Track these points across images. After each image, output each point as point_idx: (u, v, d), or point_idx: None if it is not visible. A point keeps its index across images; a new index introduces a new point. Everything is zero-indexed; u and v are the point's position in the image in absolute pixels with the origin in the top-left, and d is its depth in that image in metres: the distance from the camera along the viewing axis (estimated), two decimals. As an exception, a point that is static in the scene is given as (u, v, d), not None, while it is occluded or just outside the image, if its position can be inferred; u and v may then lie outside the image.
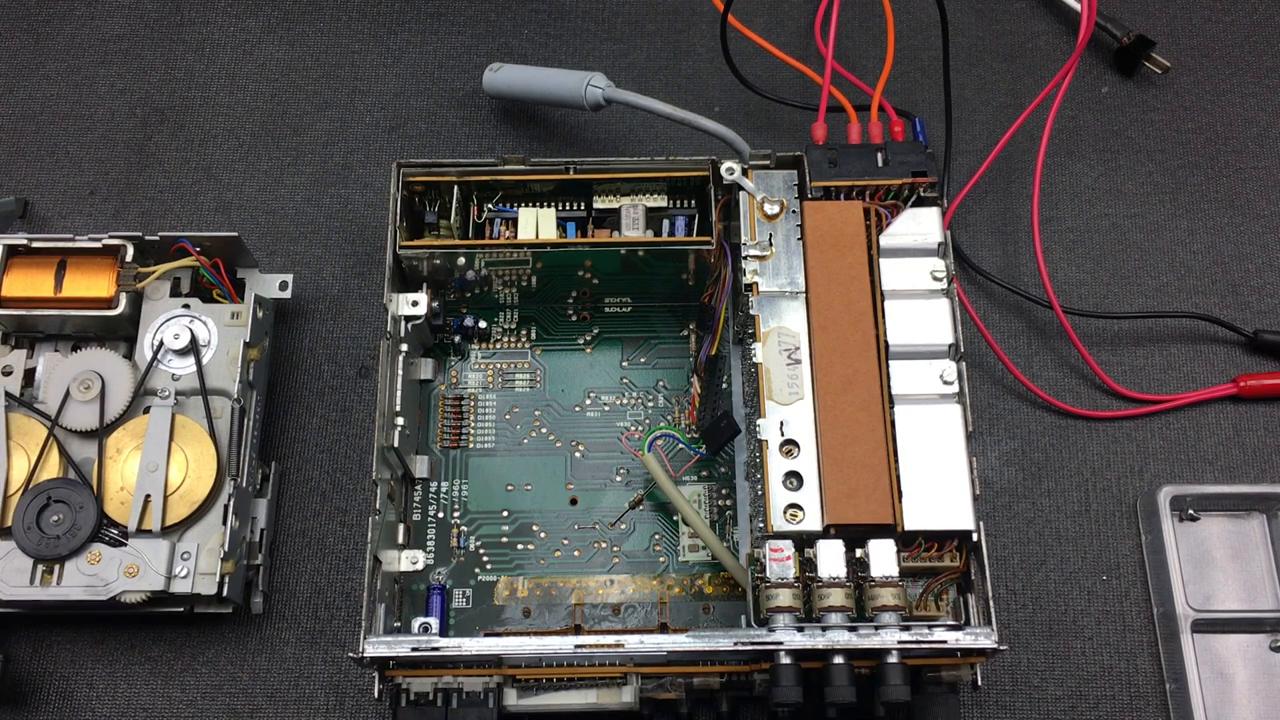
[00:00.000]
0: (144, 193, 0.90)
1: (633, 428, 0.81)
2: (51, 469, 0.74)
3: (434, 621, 0.72)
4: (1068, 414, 0.83)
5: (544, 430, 0.81)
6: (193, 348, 0.76)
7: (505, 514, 0.78)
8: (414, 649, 0.65)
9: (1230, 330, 0.84)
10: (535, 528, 0.78)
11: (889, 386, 0.69)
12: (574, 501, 0.79)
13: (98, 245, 0.78)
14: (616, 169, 0.78)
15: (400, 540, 0.76)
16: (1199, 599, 0.77)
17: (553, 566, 0.77)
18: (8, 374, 0.77)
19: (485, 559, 0.77)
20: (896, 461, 0.68)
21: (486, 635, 0.68)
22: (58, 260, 0.78)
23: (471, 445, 0.80)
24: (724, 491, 0.78)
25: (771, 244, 0.73)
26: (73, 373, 0.75)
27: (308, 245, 0.88)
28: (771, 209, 0.74)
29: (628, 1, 0.97)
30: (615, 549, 0.78)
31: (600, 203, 0.79)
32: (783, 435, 0.68)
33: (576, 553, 0.78)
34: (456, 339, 0.82)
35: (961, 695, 0.70)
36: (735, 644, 0.64)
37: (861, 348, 0.70)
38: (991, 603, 0.66)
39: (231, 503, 0.73)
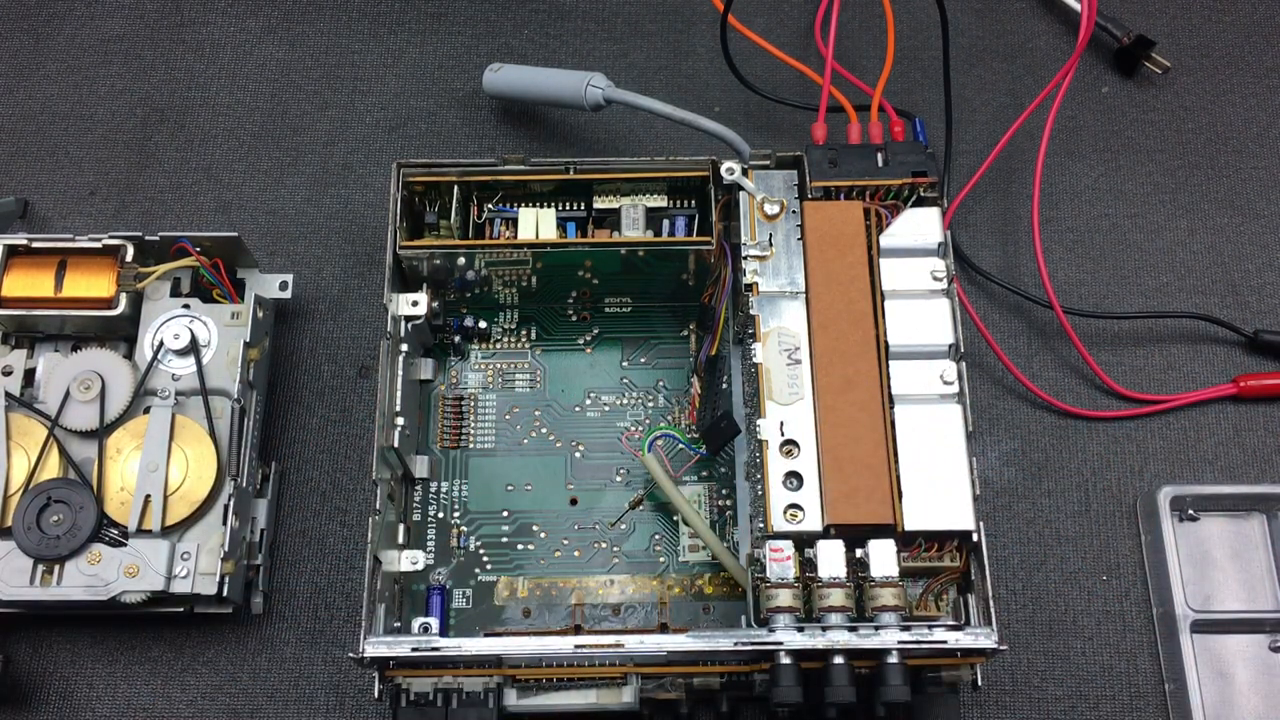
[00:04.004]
0: (144, 193, 0.90)
1: (633, 428, 0.81)
2: (51, 469, 0.74)
3: (434, 621, 0.72)
4: (1068, 414, 0.83)
5: (544, 430, 0.81)
6: (193, 348, 0.76)
7: (505, 514, 0.78)
8: (414, 649, 0.65)
9: (1230, 330, 0.84)
10: (535, 528, 0.78)
11: (889, 386, 0.69)
12: (574, 501, 0.79)
13: (98, 245, 0.78)
14: (616, 169, 0.78)
15: (400, 540, 0.76)
16: (1199, 599, 0.77)
17: (553, 566, 0.77)
18: (8, 374, 0.77)
19: (485, 559, 0.77)
20: (896, 461, 0.68)
21: (486, 635, 0.69)
22: (58, 260, 0.78)
23: (471, 445, 0.80)
24: (724, 491, 0.78)
25: (771, 244, 0.73)
26: (73, 373, 0.75)
27: (308, 245, 0.88)
28: (771, 209, 0.74)
29: (628, 1, 0.97)
30: (615, 549, 0.78)
31: (600, 203, 0.79)
32: (783, 435, 0.68)
33: (576, 553, 0.78)
34: (456, 339, 0.82)
35: (961, 695, 0.70)
36: (735, 644, 0.64)
37: (861, 348, 0.70)
38: (991, 603, 0.66)
39: (231, 503, 0.73)
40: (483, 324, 0.82)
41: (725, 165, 0.75)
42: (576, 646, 0.65)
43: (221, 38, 0.96)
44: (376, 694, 0.68)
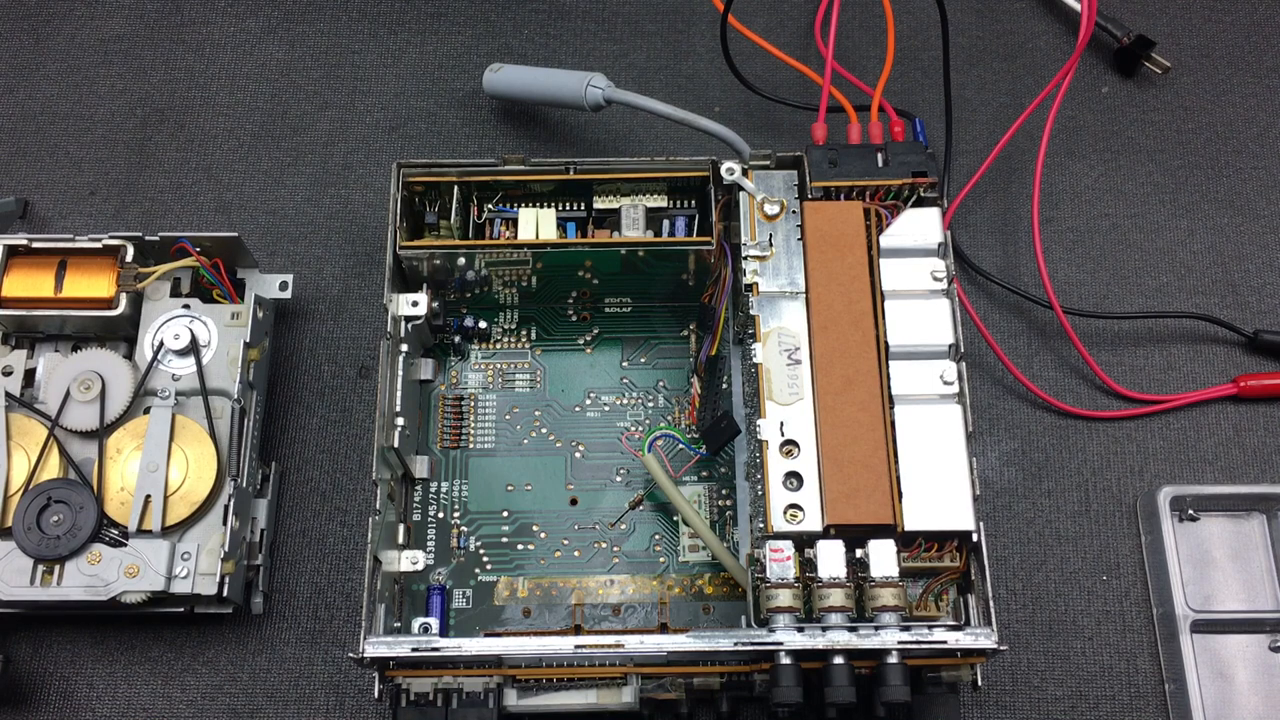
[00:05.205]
0: (144, 193, 0.90)
1: (633, 428, 0.81)
2: (52, 469, 0.74)
3: (434, 622, 0.72)
4: (1068, 414, 0.83)
5: (544, 430, 0.81)
6: (193, 348, 0.76)
7: (505, 514, 0.78)
8: (414, 649, 0.65)
9: (1230, 330, 0.84)
10: (535, 528, 0.78)
11: (889, 386, 0.69)
12: (574, 502, 0.79)
13: (98, 245, 0.78)
14: (616, 169, 0.78)
15: (400, 540, 0.76)
16: (1199, 599, 0.77)
17: (553, 566, 0.77)
18: (8, 374, 0.77)
19: (485, 559, 0.77)
20: (896, 462, 0.68)
21: (486, 635, 0.69)
22: (58, 260, 0.78)
23: (471, 445, 0.80)
24: (724, 491, 0.78)
25: (771, 244, 0.73)
26: (73, 373, 0.75)
27: (308, 245, 0.88)
28: (771, 209, 0.74)
29: (628, 1, 0.97)
30: (615, 549, 0.78)
31: (600, 203, 0.79)
32: (783, 435, 0.68)
33: (576, 553, 0.78)
34: (456, 339, 0.82)
35: (961, 695, 0.70)
36: (735, 644, 0.64)
37: (861, 348, 0.70)
38: (991, 603, 0.66)
39: (231, 503, 0.73)
40: (483, 324, 0.82)
41: (725, 165, 0.75)
42: (576, 646, 0.65)
43: (221, 38, 0.96)
44: (376, 694, 0.68)
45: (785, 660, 0.64)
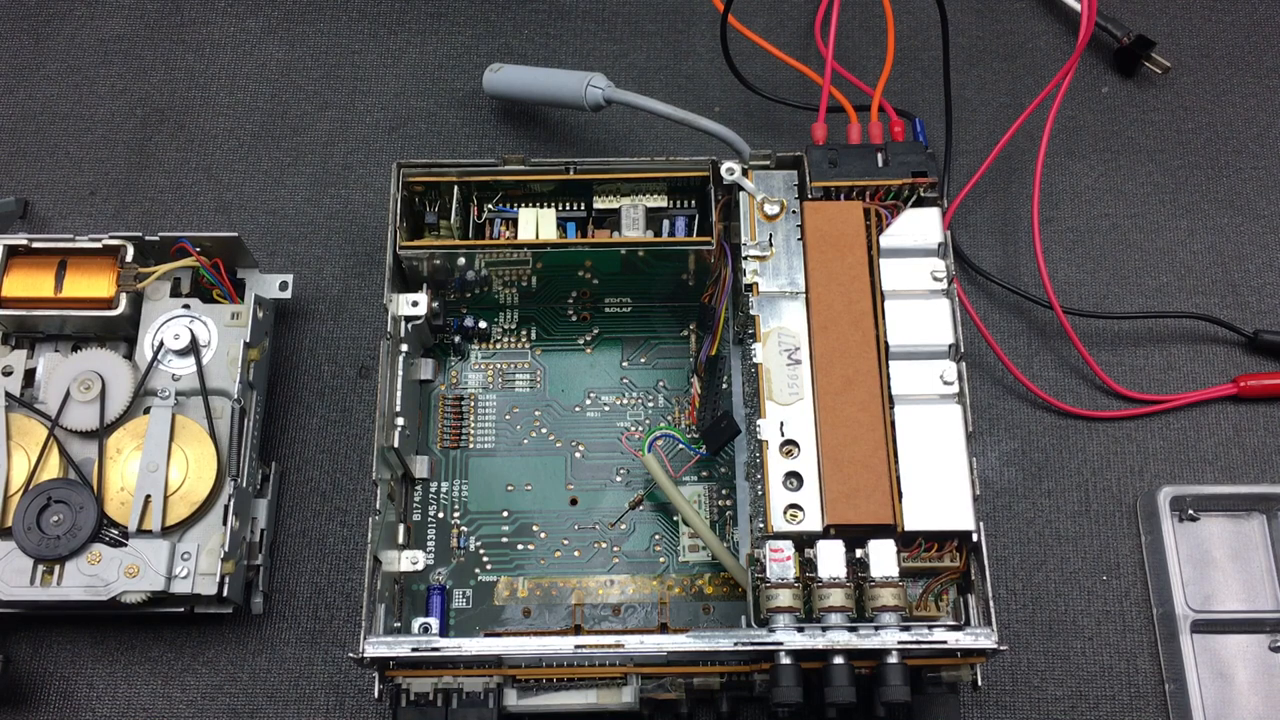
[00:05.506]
0: (144, 193, 0.90)
1: (633, 428, 0.81)
2: (52, 469, 0.74)
3: (434, 622, 0.72)
4: (1068, 414, 0.83)
5: (544, 430, 0.81)
6: (193, 348, 0.76)
7: (505, 514, 0.78)
8: (414, 649, 0.65)
9: (1230, 330, 0.84)
10: (535, 528, 0.78)
11: (889, 386, 0.69)
12: (574, 502, 0.79)
13: (98, 245, 0.78)
14: (616, 169, 0.78)
15: (400, 540, 0.76)
16: (1199, 599, 0.77)
17: (553, 566, 0.77)
18: (8, 374, 0.77)
19: (485, 559, 0.77)
20: (896, 462, 0.68)
21: (486, 635, 0.69)
22: (58, 260, 0.78)
23: (471, 445, 0.80)
24: (724, 491, 0.78)
25: (771, 244, 0.73)
26: (73, 373, 0.75)
27: (308, 245, 0.88)
28: (771, 209, 0.74)
29: (628, 1, 0.97)
30: (615, 549, 0.78)
31: (600, 203, 0.79)
32: (783, 435, 0.68)
33: (576, 553, 0.78)
34: (456, 339, 0.82)
35: (961, 695, 0.70)
36: (735, 644, 0.64)
37: (861, 348, 0.70)
38: (991, 603, 0.66)
39: (231, 503, 0.73)
40: (483, 324, 0.82)
41: (725, 165, 0.75)
42: (576, 647, 0.65)
43: (221, 38, 0.96)
44: (376, 694, 0.68)
45: (785, 660, 0.64)
